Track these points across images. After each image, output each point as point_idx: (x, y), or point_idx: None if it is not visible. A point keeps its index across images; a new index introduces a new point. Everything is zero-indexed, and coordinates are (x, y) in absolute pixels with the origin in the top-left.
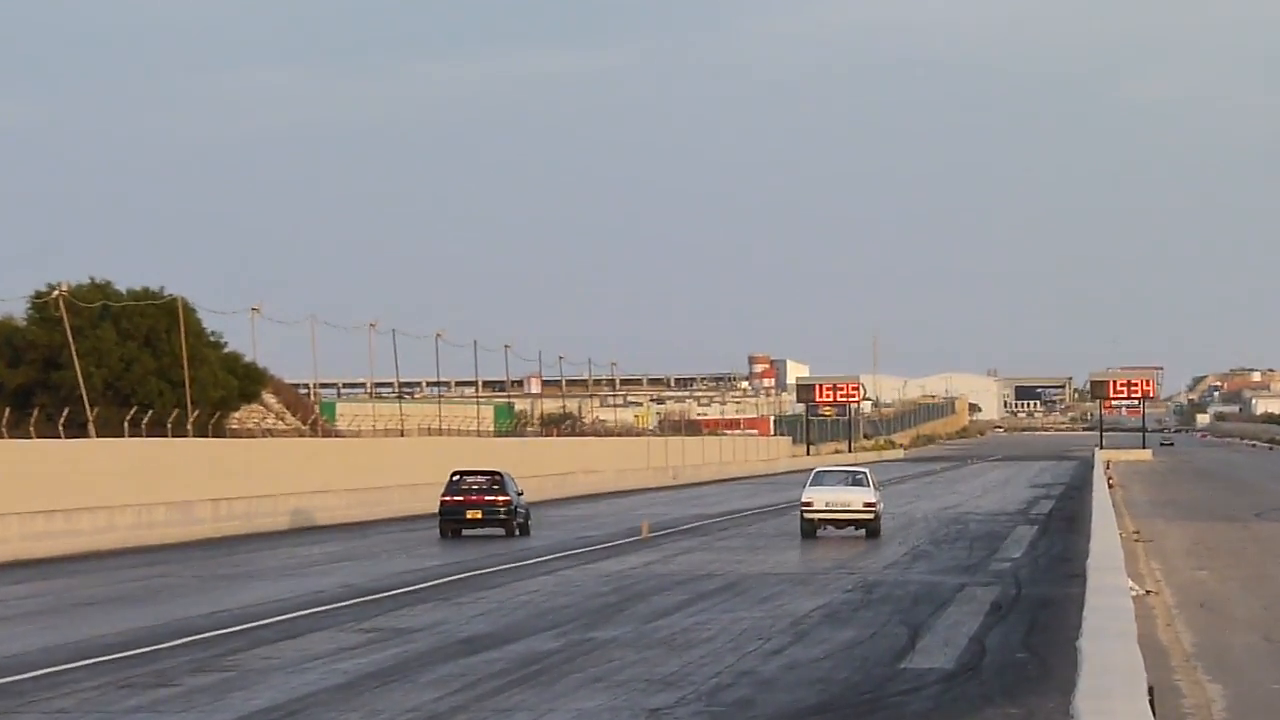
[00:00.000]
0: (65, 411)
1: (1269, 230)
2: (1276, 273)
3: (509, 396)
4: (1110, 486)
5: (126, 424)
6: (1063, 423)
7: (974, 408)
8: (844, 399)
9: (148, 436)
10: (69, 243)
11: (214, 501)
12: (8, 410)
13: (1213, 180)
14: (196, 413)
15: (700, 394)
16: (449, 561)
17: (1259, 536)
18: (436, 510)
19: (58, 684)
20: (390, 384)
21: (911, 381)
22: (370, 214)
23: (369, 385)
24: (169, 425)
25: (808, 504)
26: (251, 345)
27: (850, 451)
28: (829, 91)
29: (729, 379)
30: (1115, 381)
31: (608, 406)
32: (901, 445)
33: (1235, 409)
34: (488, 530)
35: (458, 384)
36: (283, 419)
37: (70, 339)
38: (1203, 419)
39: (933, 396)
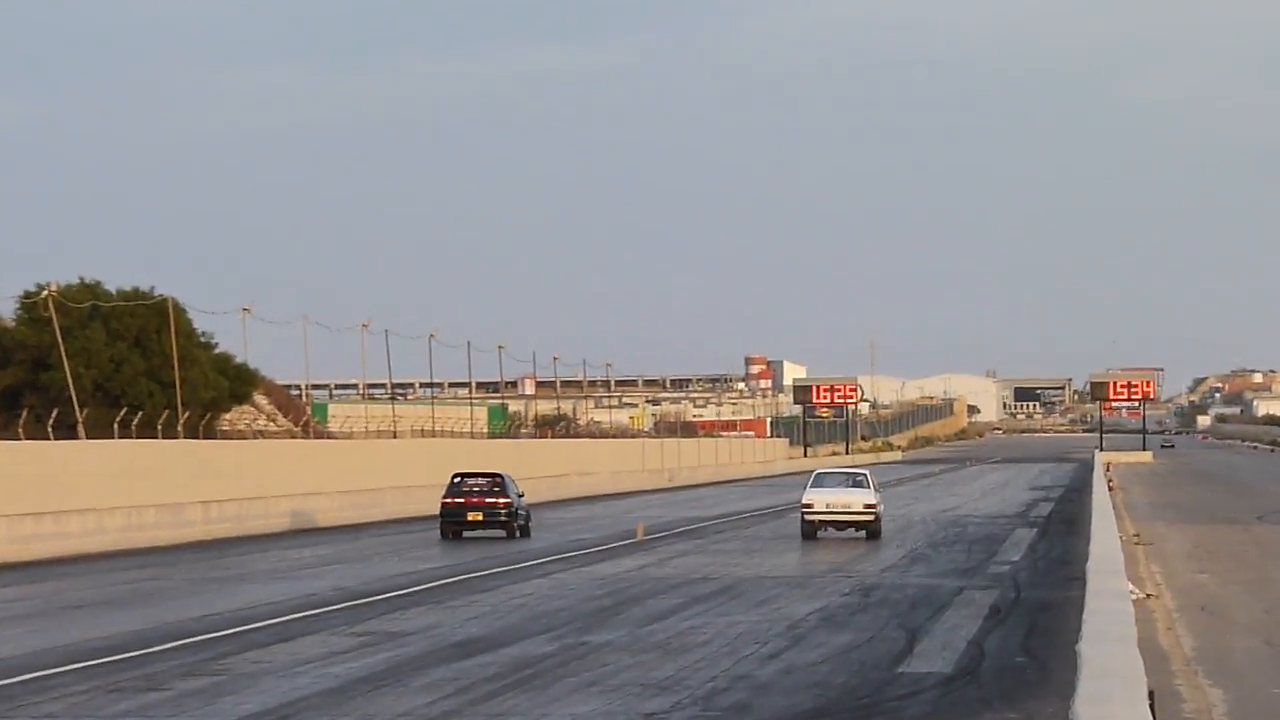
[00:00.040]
0: (54, 413)
1: (1270, 230)
2: (1278, 273)
3: (503, 398)
4: (1110, 489)
5: (116, 425)
6: (1062, 424)
7: (973, 409)
8: (841, 400)
9: (137, 438)
10: (58, 242)
11: (204, 504)
12: None
13: (1213, 180)
14: (187, 414)
15: (696, 395)
16: (442, 564)
17: (1260, 539)
18: (429, 513)
19: (46, 688)
20: (383, 385)
21: (910, 383)
22: (363, 213)
23: (361, 386)
24: (159, 426)
25: (808, 506)
26: (243, 346)
27: (848, 453)
28: (827, 91)
29: (725, 380)
30: (1115, 383)
31: (603, 408)
32: (899, 447)
33: (1236, 410)
34: (489, 532)
35: (451, 385)
36: (274, 420)
37: (59, 339)
38: (1204, 421)
39: (931, 398)
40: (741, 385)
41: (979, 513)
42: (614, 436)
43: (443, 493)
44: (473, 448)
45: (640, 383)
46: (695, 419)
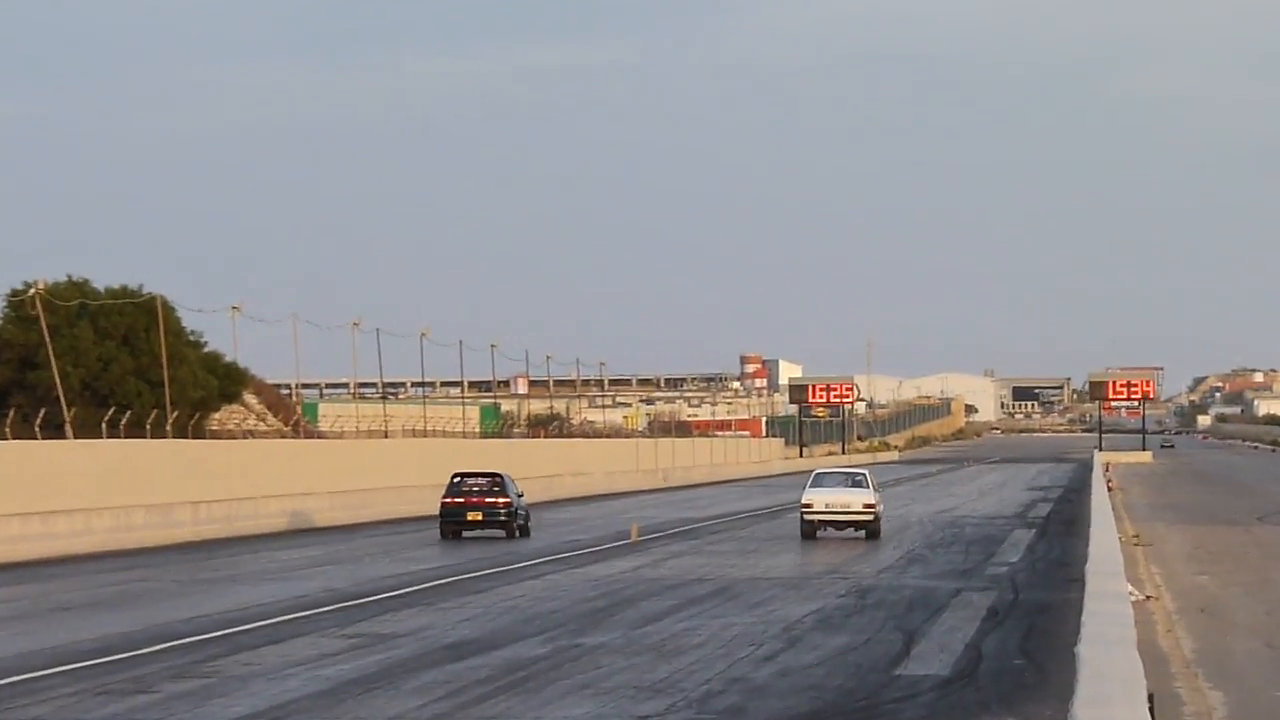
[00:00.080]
0: (42, 412)
1: (1271, 227)
2: (1279, 271)
3: (495, 397)
4: (1109, 489)
5: (104, 425)
6: (1061, 424)
7: (970, 409)
8: (838, 400)
9: (126, 438)
10: (46, 240)
11: (194, 504)
12: None
13: (1213, 177)
14: (176, 413)
15: (691, 394)
16: (434, 566)
17: (1261, 540)
18: (421, 514)
19: (33, 690)
20: (374, 384)
21: (907, 382)
22: (354, 211)
23: (352, 385)
24: (148, 426)
25: (807, 506)
26: (232, 344)
27: (844, 453)
28: (824, 88)
29: (720, 379)
30: (1114, 382)
31: (596, 407)
32: (896, 447)
33: (1237, 410)
34: (488, 532)
35: (443, 384)
36: (264, 420)
37: (47, 338)
38: (1204, 420)
39: (928, 397)
40: (737, 384)
41: (977, 513)
42: (608, 436)
43: (441, 493)
44: (465, 448)
45: (634, 382)
46: (690, 419)
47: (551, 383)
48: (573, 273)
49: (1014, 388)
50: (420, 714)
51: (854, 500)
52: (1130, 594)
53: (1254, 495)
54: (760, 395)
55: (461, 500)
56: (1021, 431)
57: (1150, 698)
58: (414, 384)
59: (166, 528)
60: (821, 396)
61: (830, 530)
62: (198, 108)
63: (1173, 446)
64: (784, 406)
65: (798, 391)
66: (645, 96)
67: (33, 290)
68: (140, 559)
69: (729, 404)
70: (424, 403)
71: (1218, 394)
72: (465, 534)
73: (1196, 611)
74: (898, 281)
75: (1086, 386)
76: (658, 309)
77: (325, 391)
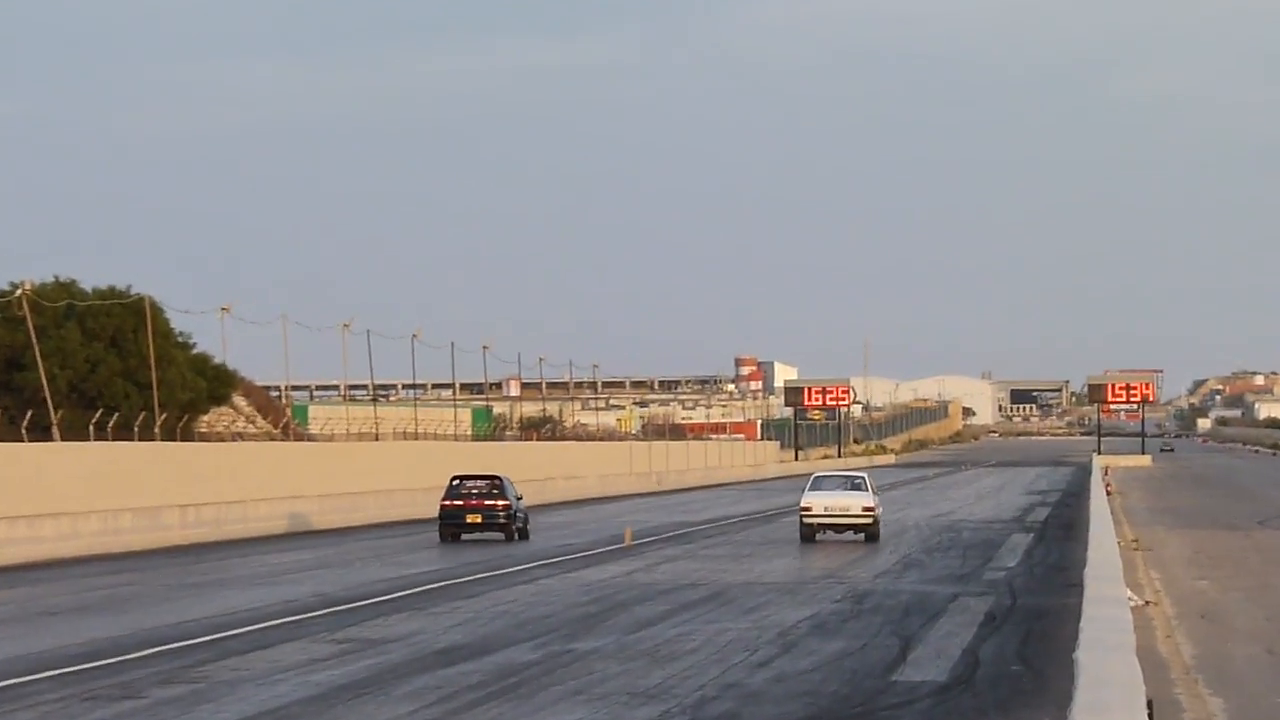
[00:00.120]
0: (28, 414)
1: (1271, 228)
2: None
3: (487, 399)
4: (1108, 493)
5: (92, 427)
6: (1059, 427)
7: (968, 412)
8: (833, 402)
9: (113, 440)
10: (33, 240)
11: (182, 507)
12: None
13: (1213, 177)
14: (164, 416)
15: (685, 397)
16: (425, 570)
17: (1261, 545)
18: (412, 517)
19: (20, 696)
20: (365, 386)
21: (903, 384)
22: (344, 211)
23: (343, 388)
24: (136, 428)
25: (806, 509)
26: (221, 346)
27: (840, 456)
28: (819, 87)
29: (715, 381)
30: (1114, 385)
31: (589, 410)
32: (893, 450)
33: (1238, 413)
34: (488, 535)
35: (434, 386)
36: (253, 422)
37: (34, 339)
38: (1204, 424)
39: (925, 400)
40: (731, 387)
41: (974, 517)
42: (601, 439)
43: (432, 496)
44: (456, 450)
45: (628, 384)
46: (684, 421)
47: (544, 385)
48: (566, 273)
49: (1012, 390)
50: None
51: (853, 503)
52: (1129, 599)
53: (1254, 499)
54: (755, 398)
55: (461, 503)
56: (1019, 435)
57: (1149, 704)
58: (405, 386)
59: (154, 531)
60: (817, 399)
61: (829, 533)
62: (186, 107)
63: (1172, 450)
64: (779, 409)
65: (793, 394)
66: (639, 96)
67: (19, 291)
68: (128, 563)
69: (724, 406)
70: (415, 405)
71: (1218, 397)
72: (464, 536)
73: (1196, 617)
74: (895, 283)
75: (1085, 389)
76: (652, 310)
77: (315, 394)
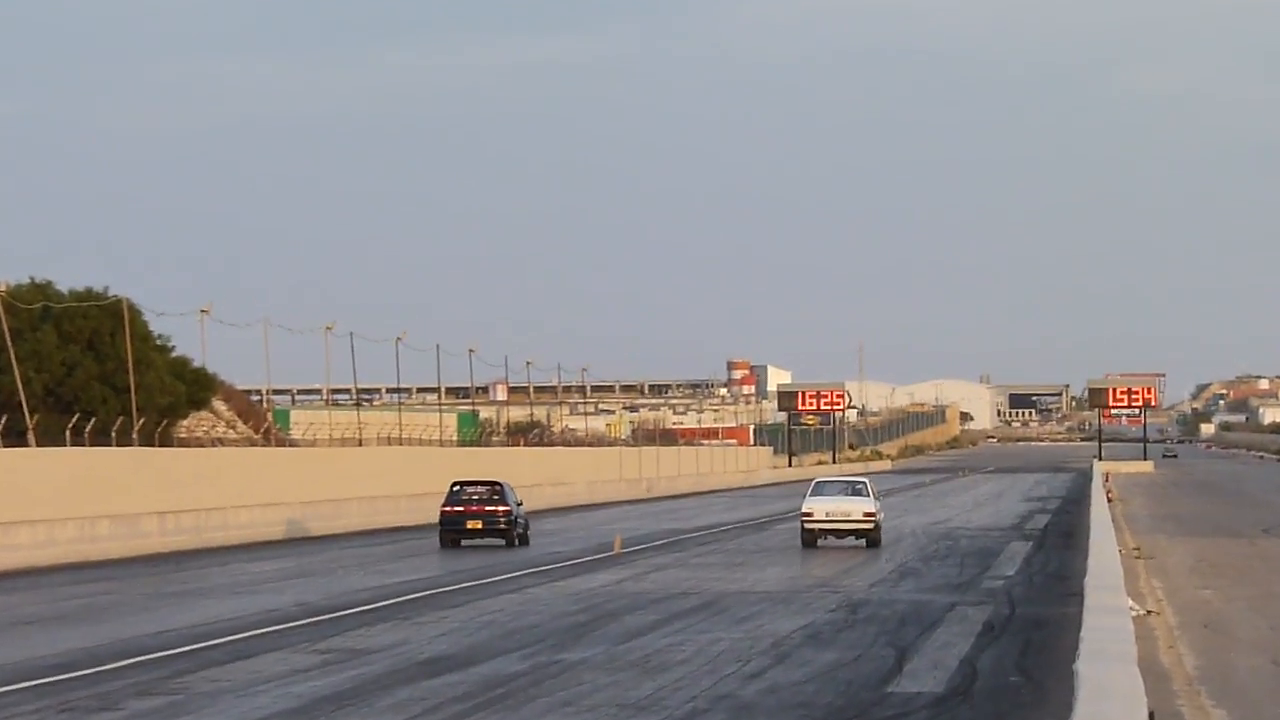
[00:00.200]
0: (3, 419)
1: (1276, 228)
2: None
3: (473, 404)
4: (1109, 500)
5: (68, 432)
6: (1059, 433)
7: (965, 416)
8: (828, 407)
9: (90, 445)
10: (7, 240)
11: (161, 515)
12: None
13: (1216, 177)
14: (142, 420)
15: (676, 402)
16: (409, 578)
17: (1266, 554)
18: (396, 524)
19: None
20: (348, 390)
21: (899, 389)
22: (327, 212)
23: (325, 392)
24: (113, 434)
25: (808, 514)
26: (201, 349)
27: (834, 463)
28: (814, 85)
29: (706, 386)
30: (1115, 389)
31: (578, 415)
32: (889, 456)
33: (1242, 418)
34: (488, 540)
35: (419, 390)
36: (234, 427)
37: (9, 342)
38: (1207, 429)
39: (922, 405)
40: (724, 391)
41: (972, 525)
42: (590, 445)
43: (417, 502)
44: (442, 456)
45: (617, 388)
46: (675, 427)
47: (532, 389)
48: (554, 275)
49: (1011, 395)
50: None
51: (854, 509)
52: (1131, 609)
53: (1259, 507)
54: (748, 402)
55: (461, 509)
56: (1018, 440)
57: (1151, 716)
58: (389, 390)
59: (132, 539)
60: (811, 404)
61: (831, 539)
62: (162, 104)
63: (1175, 456)
64: (772, 414)
65: (786, 398)
66: (631, 95)
67: None
68: (105, 571)
69: (715, 411)
70: (399, 409)
71: (1222, 401)
72: (465, 543)
73: (1199, 627)
74: (891, 284)
75: (1086, 393)
76: (642, 313)
77: (297, 398)
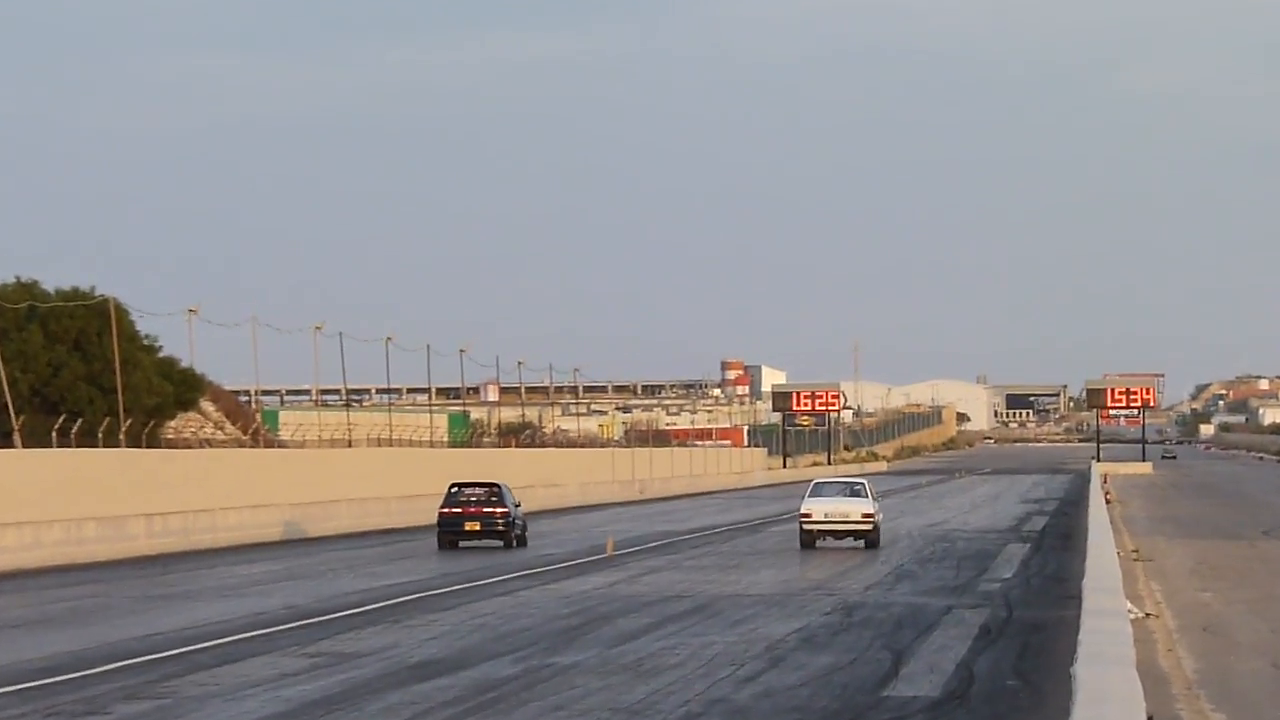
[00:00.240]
0: None
1: (1276, 227)
2: None
3: (464, 404)
4: (1107, 502)
5: (54, 433)
6: (1057, 434)
7: (962, 417)
8: (823, 408)
9: (77, 447)
10: None
11: (148, 516)
12: None
13: (1216, 175)
14: (129, 421)
15: (669, 402)
16: (399, 581)
17: (1266, 556)
18: (386, 527)
19: None
20: (337, 391)
21: (895, 389)
22: (316, 210)
23: (314, 392)
24: (100, 435)
25: (806, 515)
26: (188, 349)
27: (830, 464)
28: (810, 85)
29: (700, 386)
30: (1113, 390)
31: (570, 415)
32: (884, 457)
33: (1242, 419)
34: (486, 542)
35: (409, 391)
36: (222, 428)
37: None
38: (1207, 430)
39: (918, 405)
40: (717, 391)
41: (969, 527)
42: (582, 446)
43: (407, 504)
44: (432, 457)
45: (610, 389)
46: (668, 427)
47: (523, 390)
48: (546, 275)
49: (1008, 395)
50: None
51: (853, 510)
52: (1129, 611)
53: (1259, 508)
54: (742, 403)
55: (459, 510)
56: (1016, 441)
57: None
58: (379, 390)
59: (119, 541)
60: (806, 404)
61: (829, 540)
62: (149, 101)
63: (1174, 457)
64: (767, 415)
65: (781, 399)
66: (624, 94)
67: None
68: (92, 574)
69: (709, 412)
70: (389, 410)
71: (1221, 402)
72: (463, 544)
73: (1199, 630)
74: (886, 284)
75: (1084, 394)
76: (635, 312)
77: (286, 398)
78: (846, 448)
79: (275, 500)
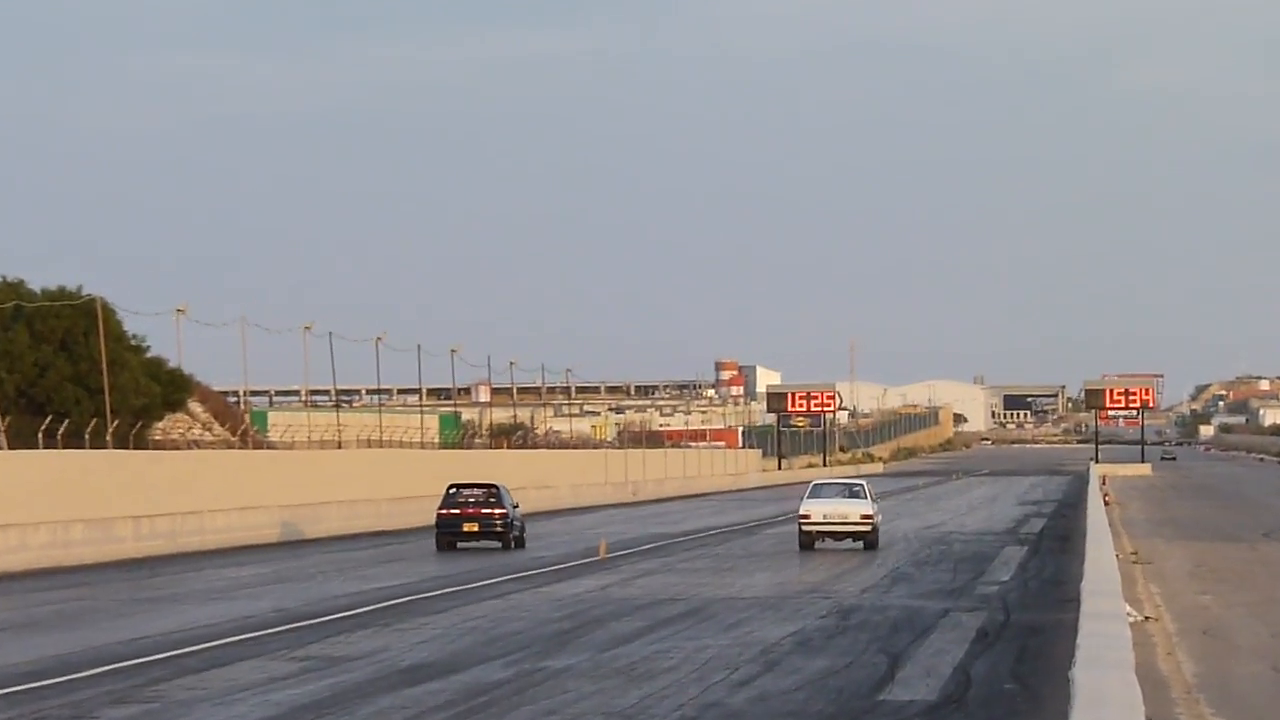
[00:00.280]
0: None
1: (1277, 227)
2: None
3: (455, 405)
4: (1106, 504)
5: (41, 434)
6: (1055, 435)
7: (959, 418)
8: (818, 409)
9: (64, 448)
10: None
11: (135, 519)
12: None
13: (1217, 175)
14: (117, 422)
15: (663, 403)
16: (389, 584)
17: (1266, 558)
18: (376, 529)
19: None
20: (327, 391)
21: (891, 390)
22: (305, 209)
23: (304, 393)
24: (87, 436)
25: (805, 516)
26: (176, 349)
27: (825, 465)
28: (803, 81)
29: (694, 387)
30: (1112, 390)
31: (562, 416)
32: (880, 459)
33: (1242, 420)
34: (484, 543)
35: (400, 391)
36: (210, 429)
37: None
38: (1206, 431)
39: (914, 406)
40: (711, 392)
41: (966, 529)
42: (574, 447)
43: (397, 506)
44: (423, 459)
45: (603, 390)
46: (662, 428)
47: (515, 390)
48: (538, 275)
49: (1005, 396)
50: None
51: (852, 511)
52: (1128, 615)
53: (1259, 510)
54: (736, 404)
55: (457, 511)
56: (1013, 442)
57: None
58: (369, 391)
59: (107, 543)
60: (801, 405)
61: (828, 541)
62: (136, 99)
63: (1174, 458)
64: (761, 416)
65: (776, 400)
66: (619, 92)
67: None
68: (79, 576)
69: (703, 413)
70: (380, 411)
71: (1221, 403)
72: (461, 545)
73: (1198, 633)
74: (882, 283)
75: (1082, 395)
76: (628, 312)
77: (275, 399)
78: (842, 449)
79: (264, 502)
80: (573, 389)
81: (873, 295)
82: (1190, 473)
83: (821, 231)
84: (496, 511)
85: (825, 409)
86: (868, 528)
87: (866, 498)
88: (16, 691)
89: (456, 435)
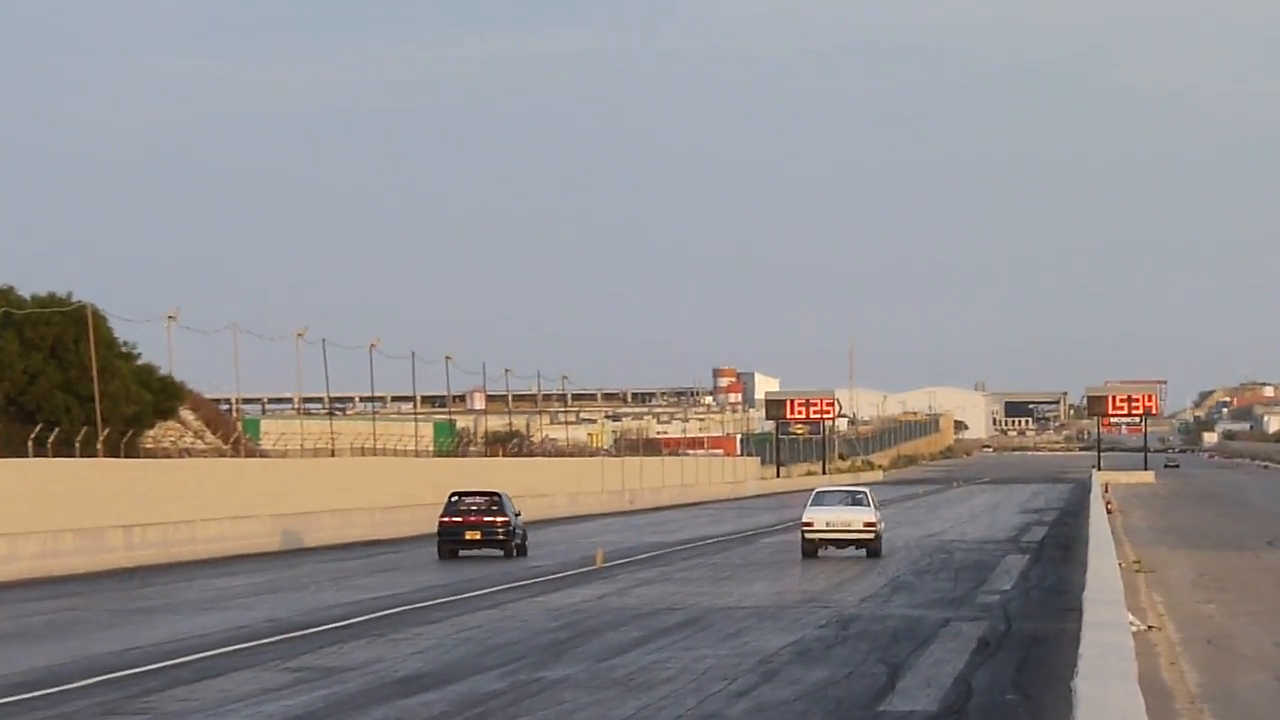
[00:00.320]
0: None
1: None
2: None
3: (450, 413)
4: (1109, 512)
5: (31, 443)
6: (1057, 442)
7: (960, 425)
8: (817, 416)
9: (54, 456)
10: None
11: (127, 528)
12: None
13: (1221, 176)
14: (107, 430)
15: (660, 410)
16: (384, 594)
17: (1271, 567)
18: (369, 538)
19: None
20: (320, 399)
21: (891, 396)
22: (298, 214)
23: (296, 400)
24: (77, 444)
25: (808, 524)
26: (168, 356)
27: (824, 473)
28: (803, 82)
29: (691, 394)
30: (1114, 397)
31: (558, 424)
32: (880, 466)
33: (1246, 426)
34: (486, 551)
35: (394, 399)
36: (202, 437)
37: None
38: (1210, 437)
39: (914, 413)
40: (709, 399)
41: (967, 537)
42: (571, 455)
43: (392, 515)
44: (417, 467)
45: (599, 397)
46: (659, 436)
47: (511, 398)
48: (534, 281)
49: (1007, 403)
50: None
51: (855, 519)
52: (1131, 624)
53: (1263, 518)
54: (734, 411)
55: (460, 519)
56: (1015, 449)
57: None
58: (363, 399)
59: (98, 553)
60: (800, 412)
61: (831, 549)
62: (126, 102)
63: (1177, 466)
64: (760, 423)
65: (774, 407)
66: (617, 94)
67: None
68: (69, 586)
69: (701, 420)
70: (373, 419)
71: (1225, 409)
72: (463, 553)
73: (1202, 643)
74: (882, 289)
75: (1084, 401)
76: (625, 319)
77: (268, 407)
78: (841, 457)
79: (257, 511)
80: (569, 396)
81: (872, 300)
82: (1193, 480)
83: (821, 233)
84: (499, 519)
85: (824, 416)
86: (871, 535)
87: (869, 505)
88: (7, 703)
89: (451, 443)
